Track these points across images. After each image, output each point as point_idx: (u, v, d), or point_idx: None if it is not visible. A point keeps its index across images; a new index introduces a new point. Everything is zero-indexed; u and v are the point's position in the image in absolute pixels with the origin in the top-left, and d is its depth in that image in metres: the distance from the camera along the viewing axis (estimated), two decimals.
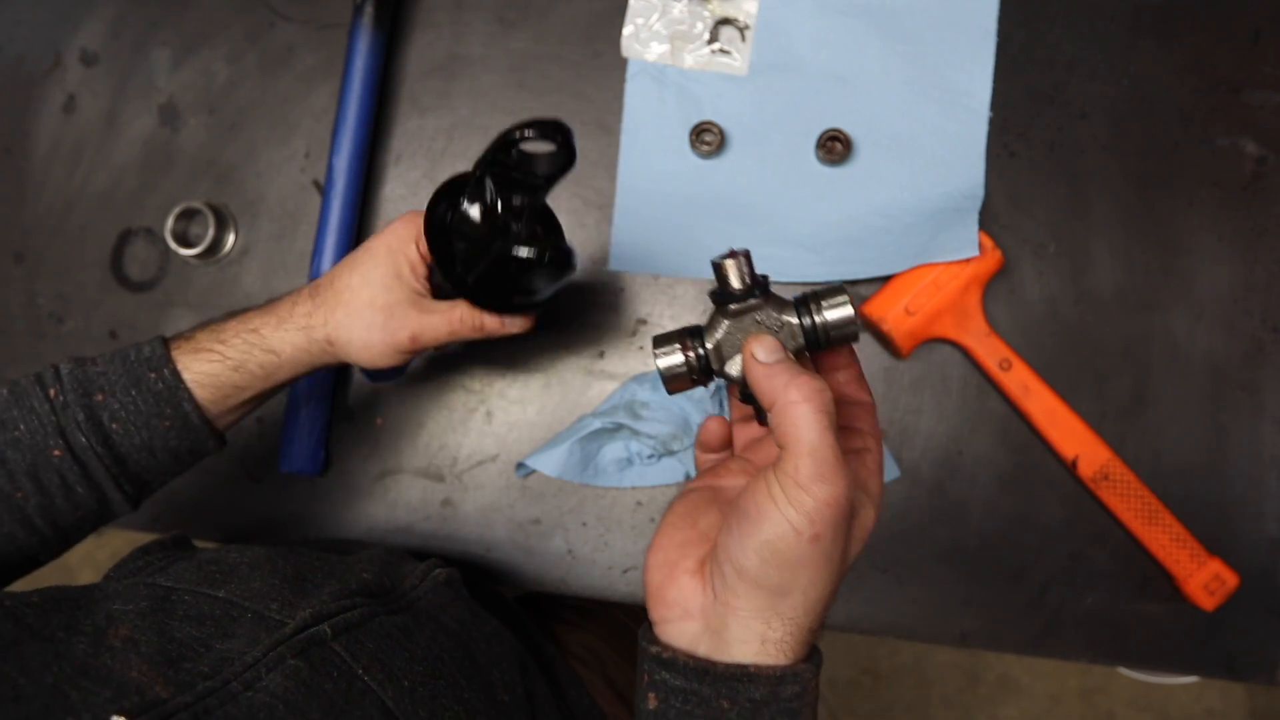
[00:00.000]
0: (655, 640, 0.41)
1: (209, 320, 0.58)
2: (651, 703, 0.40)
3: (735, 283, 0.41)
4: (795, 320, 0.42)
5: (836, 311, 0.41)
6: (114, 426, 0.52)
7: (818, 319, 0.41)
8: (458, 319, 0.57)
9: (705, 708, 0.39)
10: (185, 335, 0.56)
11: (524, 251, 0.52)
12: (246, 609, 0.46)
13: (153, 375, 0.53)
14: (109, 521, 0.56)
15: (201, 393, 0.54)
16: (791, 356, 0.40)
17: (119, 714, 0.37)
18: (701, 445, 0.48)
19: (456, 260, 0.55)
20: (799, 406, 0.37)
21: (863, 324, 0.72)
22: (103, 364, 0.54)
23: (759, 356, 0.39)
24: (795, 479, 0.36)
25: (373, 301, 0.55)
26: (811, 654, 0.40)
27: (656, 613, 0.41)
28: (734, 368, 0.42)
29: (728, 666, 0.38)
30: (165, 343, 0.55)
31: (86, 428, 0.51)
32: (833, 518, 0.37)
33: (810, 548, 0.37)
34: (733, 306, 0.42)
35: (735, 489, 0.45)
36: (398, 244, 0.55)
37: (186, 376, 0.54)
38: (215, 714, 0.39)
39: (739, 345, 0.42)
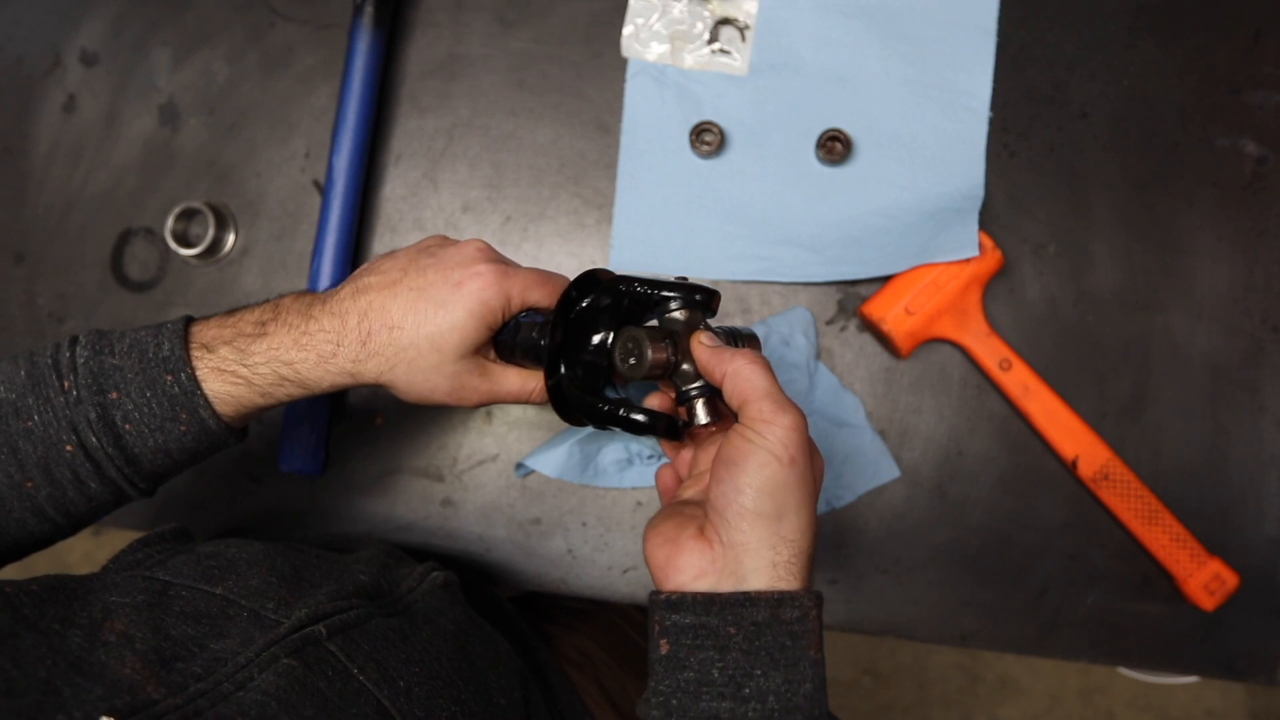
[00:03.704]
0: (665, 590, 0.45)
1: (231, 315, 0.53)
2: (664, 649, 0.43)
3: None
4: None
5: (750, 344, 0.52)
6: (127, 428, 0.50)
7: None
8: (527, 394, 0.55)
9: (714, 637, 0.42)
10: (206, 341, 0.52)
11: (639, 416, 0.49)
12: (243, 607, 0.46)
13: (169, 379, 0.50)
14: (123, 505, 0.55)
15: (222, 407, 0.51)
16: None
17: (109, 714, 0.37)
18: (661, 493, 0.55)
19: (570, 363, 0.51)
20: (747, 367, 0.45)
21: (862, 324, 0.72)
22: (120, 354, 0.50)
23: (704, 342, 0.48)
24: (762, 418, 0.43)
25: (441, 368, 0.52)
26: (812, 588, 0.45)
27: (670, 582, 0.45)
28: (684, 363, 0.49)
29: (732, 594, 0.43)
30: (185, 338, 0.51)
31: (99, 428, 0.49)
32: (799, 440, 0.44)
33: (790, 471, 0.43)
34: (680, 314, 0.50)
35: (696, 500, 0.50)
36: (482, 310, 0.51)
37: (206, 388, 0.50)
38: (206, 714, 0.39)
39: (685, 343, 0.49)
